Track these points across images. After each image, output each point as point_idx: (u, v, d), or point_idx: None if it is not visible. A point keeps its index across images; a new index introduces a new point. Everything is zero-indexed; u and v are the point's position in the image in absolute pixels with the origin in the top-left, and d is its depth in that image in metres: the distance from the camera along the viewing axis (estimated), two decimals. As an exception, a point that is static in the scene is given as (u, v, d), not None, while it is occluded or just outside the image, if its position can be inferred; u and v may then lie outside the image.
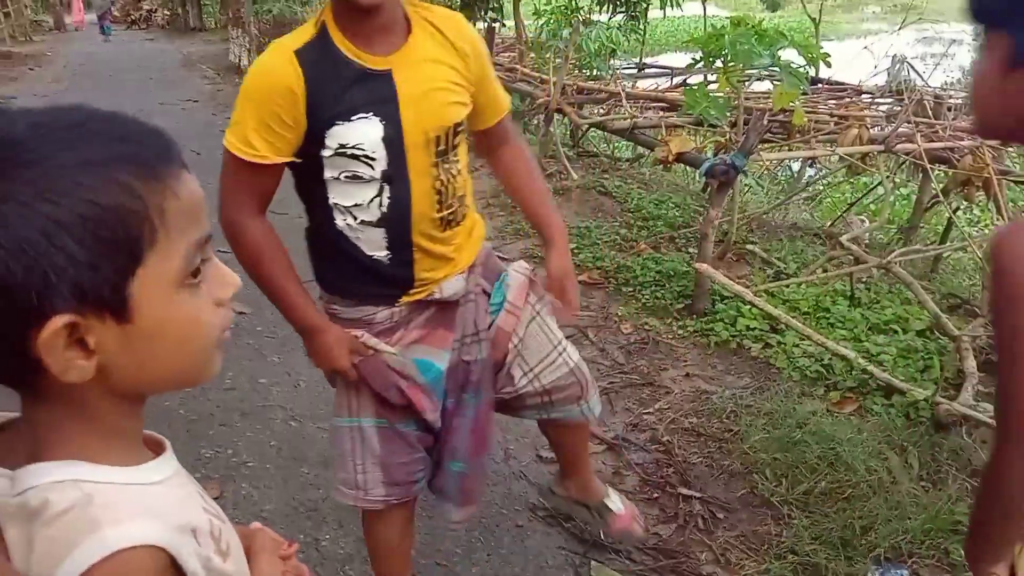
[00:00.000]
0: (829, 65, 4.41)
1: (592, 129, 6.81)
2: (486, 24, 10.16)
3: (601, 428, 2.94)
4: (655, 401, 3.12)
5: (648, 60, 11.80)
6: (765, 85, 6.38)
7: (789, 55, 4.51)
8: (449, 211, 1.59)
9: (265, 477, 2.70)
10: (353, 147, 1.45)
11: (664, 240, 4.88)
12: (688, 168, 5.67)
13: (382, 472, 1.72)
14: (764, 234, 5.21)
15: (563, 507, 2.30)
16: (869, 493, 2.45)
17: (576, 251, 4.64)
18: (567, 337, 3.61)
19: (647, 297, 4.03)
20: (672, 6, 11.15)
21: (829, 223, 5.80)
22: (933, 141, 4.42)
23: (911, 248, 4.00)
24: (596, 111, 7.11)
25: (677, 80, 7.37)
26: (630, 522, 2.25)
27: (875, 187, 6.27)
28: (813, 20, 8.10)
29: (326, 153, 1.46)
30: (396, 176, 1.49)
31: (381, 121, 1.45)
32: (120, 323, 0.61)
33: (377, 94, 1.45)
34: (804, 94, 5.36)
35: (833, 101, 5.74)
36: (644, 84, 8.37)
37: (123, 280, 0.60)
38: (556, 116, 6.29)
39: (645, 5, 10.51)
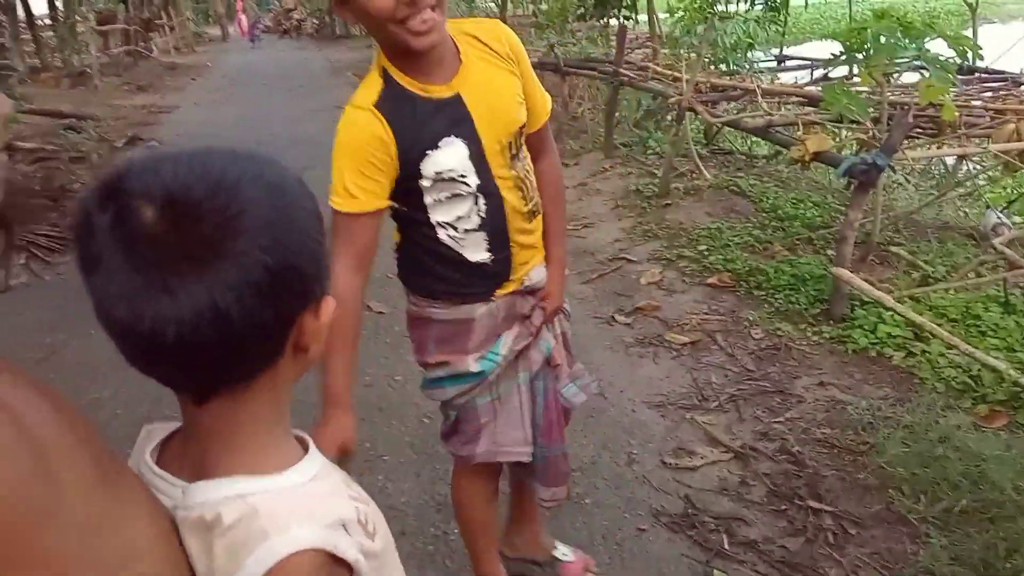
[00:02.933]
0: (981, 57, 4.14)
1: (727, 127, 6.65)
2: (619, 22, 10.11)
3: (728, 436, 2.91)
4: (786, 410, 3.05)
5: (790, 51, 11.39)
6: (916, 76, 6.05)
7: (938, 45, 4.27)
8: (532, 203, 1.72)
9: (399, 471, 2.84)
10: (448, 171, 1.57)
11: (801, 242, 4.73)
12: (829, 165, 5.45)
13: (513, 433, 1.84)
14: (912, 234, 4.95)
15: (515, 567, 2.25)
16: (1016, 514, 2.31)
17: (706, 253, 4.57)
18: (696, 342, 3.60)
19: (780, 301, 3.93)
20: (815, -6, 10.72)
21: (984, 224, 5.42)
22: (1104, 134, 4.07)
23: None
24: (731, 107, 6.95)
25: (818, 74, 7.09)
26: (580, 571, 2.23)
27: (1039, 183, 5.81)
28: (969, 5, 7.59)
29: (425, 183, 1.58)
30: (486, 184, 1.61)
31: (463, 141, 1.57)
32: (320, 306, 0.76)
33: (453, 118, 1.56)
34: (953, 86, 5.05)
35: (989, 93, 5.37)
36: (784, 77, 8.12)
37: None
38: (689, 114, 6.20)
39: (785, -6, 10.16)
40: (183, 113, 11.86)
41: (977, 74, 6.09)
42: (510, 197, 1.65)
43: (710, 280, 4.27)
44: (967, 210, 6.58)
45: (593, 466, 2.79)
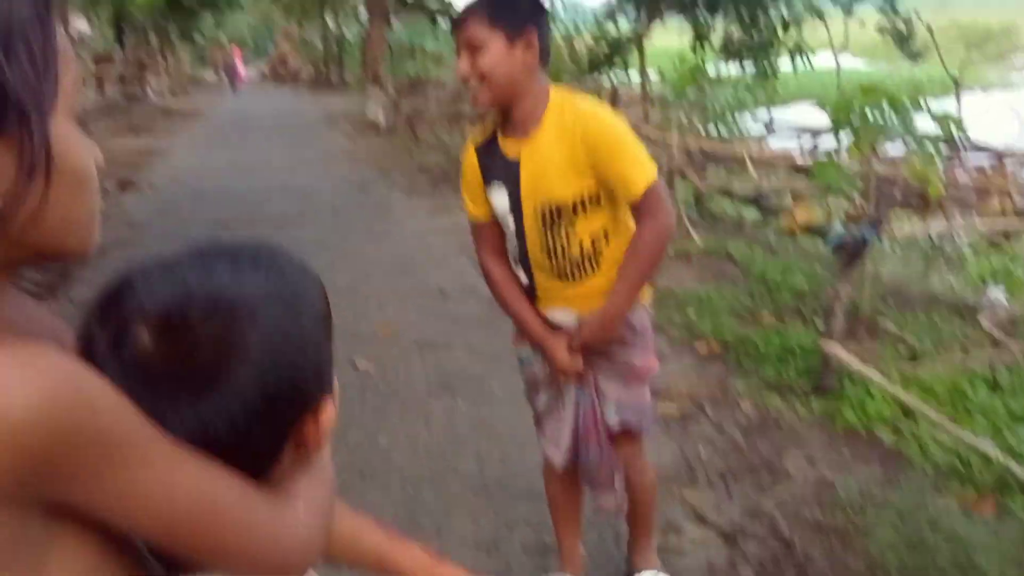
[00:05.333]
0: (965, 132, 4.22)
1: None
2: (611, 82, 10.27)
3: (717, 514, 2.87)
4: (775, 487, 3.02)
5: (778, 111, 11.57)
6: (902, 146, 6.15)
7: (925, 119, 4.35)
8: (560, 267, 1.99)
9: (381, 543, 2.77)
10: (498, 208, 1.99)
11: (789, 311, 4.74)
12: (816, 234, 5.50)
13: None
14: (899, 303, 4.98)
15: None
16: (1007, 608, 2.28)
17: (695, 320, 4.58)
18: (685, 415, 3.57)
19: (769, 373, 3.92)
20: (802, 61, 10.95)
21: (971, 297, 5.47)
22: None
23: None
24: (721, 170, 7.05)
25: (805, 141, 7.21)
26: None
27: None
28: (954, 79, 7.76)
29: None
30: (518, 235, 1.99)
31: (508, 195, 1.95)
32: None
33: (509, 175, 1.94)
34: (942, 158, 5.14)
35: (974, 165, 5.47)
36: (773, 141, 8.24)
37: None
38: (679, 178, 6.27)
39: (774, 59, 10.37)
40: (175, 157, 11.90)
41: (962, 147, 6.20)
42: (535, 251, 1.98)
43: (698, 346, 4.26)
44: (953, 279, 6.64)
45: (582, 544, 2.73)
